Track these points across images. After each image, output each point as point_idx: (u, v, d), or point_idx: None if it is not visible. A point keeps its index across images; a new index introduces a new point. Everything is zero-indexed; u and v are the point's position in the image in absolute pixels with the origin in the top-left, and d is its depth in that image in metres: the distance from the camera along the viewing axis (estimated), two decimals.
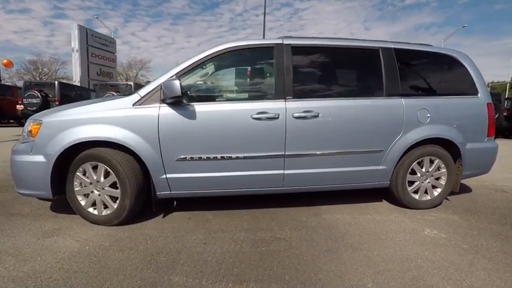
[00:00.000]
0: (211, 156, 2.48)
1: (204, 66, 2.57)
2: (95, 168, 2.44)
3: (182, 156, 2.45)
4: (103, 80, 14.90)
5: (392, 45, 2.86)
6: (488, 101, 2.99)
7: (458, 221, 2.74)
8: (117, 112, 2.38)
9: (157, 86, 2.42)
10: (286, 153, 2.57)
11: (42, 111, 2.71)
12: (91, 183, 2.45)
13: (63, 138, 2.32)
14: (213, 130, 2.45)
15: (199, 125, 2.43)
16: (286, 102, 2.55)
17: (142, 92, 2.43)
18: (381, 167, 2.79)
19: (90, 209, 2.51)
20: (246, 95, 2.67)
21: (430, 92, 2.89)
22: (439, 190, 3.01)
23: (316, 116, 2.57)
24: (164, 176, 2.47)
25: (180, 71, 2.47)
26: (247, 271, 1.88)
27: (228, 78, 2.85)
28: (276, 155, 2.56)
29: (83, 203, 2.50)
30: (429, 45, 3.07)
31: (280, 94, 2.56)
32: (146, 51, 71.85)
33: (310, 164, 2.64)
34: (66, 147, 2.32)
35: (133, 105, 2.41)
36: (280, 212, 2.84)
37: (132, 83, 10.15)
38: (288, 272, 1.88)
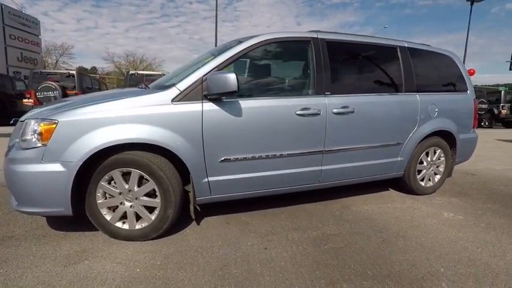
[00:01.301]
0: (257, 155, 2.33)
1: (242, 59, 2.37)
2: (125, 175, 2.07)
3: (226, 157, 2.24)
4: (26, 67, 12.54)
5: (406, 44, 3.06)
6: (474, 97, 3.44)
7: (460, 203, 3.13)
8: (155, 109, 2.04)
9: (197, 80, 2.15)
10: (325, 149, 2.57)
11: (42, 109, 2.17)
12: (120, 194, 2.08)
13: (89, 141, 1.90)
14: (258, 127, 2.30)
15: (245, 122, 2.25)
16: (326, 98, 2.53)
17: (182, 85, 2.13)
18: (399, 159, 3.00)
19: (119, 224, 2.13)
20: (287, 91, 2.55)
21: (435, 88, 3.19)
22: (438, 177, 3.38)
23: (352, 112, 2.61)
24: (206, 180, 2.23)
25: (221, 63, 2.23)
26: (329, 272, 1.84)
27: (266, 73, 2.69)
28: (316, 151, 2.54)
29: (108, 217, 2.11)
30: (428, 45, 3.37)
31: (320, 90, 2.53)
32: (63, 35, 63.33)
33: (344, 159, 2.70)
34: (93, 152, 1.91)
35: (172, 101, 2.09)
36: (311, 208, 2.84)
37: (74, 72, 8.80)
38: (366, 267, 1.90)
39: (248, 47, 2.32)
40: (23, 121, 2.06)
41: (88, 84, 9.61)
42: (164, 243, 2.13)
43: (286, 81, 2.62)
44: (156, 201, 2.10)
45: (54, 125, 1.89)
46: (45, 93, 7.80)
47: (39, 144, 1.90)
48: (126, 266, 1.84)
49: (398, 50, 2.97)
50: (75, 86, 8.67)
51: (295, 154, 2.46)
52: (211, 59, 2.27)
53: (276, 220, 2.55)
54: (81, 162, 1.90)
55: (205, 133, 2.14)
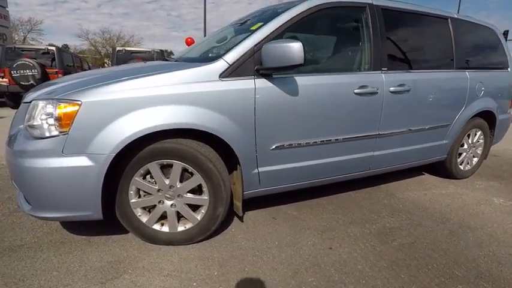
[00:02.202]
0: (311, 141, 2.01)
1: (291, 29, 1.98)
2: (163, 168, 1.70)
3: (279, 144, 1.90)
4: None
5: (456, 15, 2.77)
6: None
7: (502, 187, 2.99)
8: (201, 87, 1.65)
9: (248, 51, 1.76)
10: (379, 132, 2.28)
11: (50, 87, 1.71)
12: (159, 191, 1.71)
13: (124, 127, 1.50)
14: (315, 108, 1.96)
15: (301, 102, 1.90)
16: (383, 75, 2.22)
17: (230, 57, 1.73)
18: (444, 141, 2.78)
19: (157, 226, 1.78)
20: (342, 66, 2.20)
21: (481, 64, 2.95)
22: (476, 160, 3.21)
23: (408, 91, 2.32)
24: (256, 171, 1.90)
25: (275, 30, 1.83)
26: (414, 274, 1.60)
27: (318, 45, 2.31)
28: (370, 135, 2.25)
29: (143, 218, 1.75)
30: (469, 16, 3.09)
31: (376, 65, 2.20)
32: (29, 10, 58.15)
33: (395, 143, 2.43)
34: (130, 140, 1.51)
35: (220, 76, 1.70)
36: (356, 197, 2.59)
37: (53, 48, 7.88)
38: (451, 267, 1.68)
39: (297, 14, 1.92)
40: (28, 102, 1.61)
41: (69, 61, 8.71)
42: (212, 246, 1.80)
43: (341, 55, 2.27)
44: (203, 199, 1.75)
45: (77, 107, 1.47)
46: (21, 71, 6.94)
47: (57, 132, 1.48)
48: (179, 280, 1.51)
49: (449, 21, 2.67)
50: (52, 63, 7.80)
51: (350, 139, 2.16)
52: (261, 26, 1.87)
53: (325, 213, 2.28)
54: (114, 154, 1.51)
55: (258, 116, 1.78)
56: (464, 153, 3.08)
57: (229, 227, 2.03)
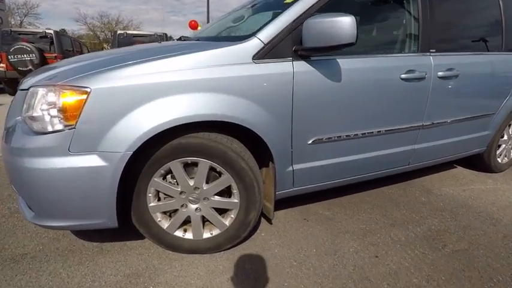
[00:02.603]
0: (352, 133, 1.75)
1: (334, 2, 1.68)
2: (187, 167, 1.45)
3: (318, 137, 1.65)
4: None
5: None
6: None
7: None
8: (231, 70, 1.38)
9: (285, 28, 1.47)
10: (423, 123, 2.02)
11: (50, 72, 1.44)
12: (182, 193, 1.47)
13: (142, 119, 1.24)
14: (359, 96, 1.69)
15: (344, 89, 1.63)
16: (432, 58, 1.94)
17: (265, 35, 1.45)
18: (485, 133, 2.52)
19: (179, 233, 1.55)
20: (387, 47, 1.91)
21: None
22: None
23: (456, 76, 2.05)
24: (290, 168, 1.65)
25: (312, 6, 1.54)
26: None
27: (360, 22, 2.01)
28: (414, 126, 1.99)
29: (164, 224, 1.52)
30: None
31: (425, 46, 1.91)
32: None
33: (438, 135, 2.17)
34: (150, 135, 1.26)
35: (253, 58, 1.43)
36: (390, 193, 2.35)
37: (52, 31, 7.48)
38: None
39: None
40: (26, 89, 1.35)
41: (68, 46, 8.31)
42: (242, 255, 1.58)
43: (386, 34, 1.98)
44: (233, 202, 1.51)
45: (85, 96, 1.21)
46: (18, 56, 6.59)
47: (61, 126, 1.23)
48: None
49: None
50: (50, 48, 7.43)
51: (393, 131, 1.90)
52: (289, 6, 1.57)
53: (361, 213, 2.05)
54: (131, 152, 1.26)
55: (296, 105, 1.52)
56: (504, 145, 2.83)
57: (258, 230, 1.80)
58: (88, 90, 1.21)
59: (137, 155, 1.33)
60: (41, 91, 1.26)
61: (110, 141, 1.24)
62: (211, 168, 1.45)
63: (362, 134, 1.79)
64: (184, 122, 1.29)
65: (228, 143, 1.42)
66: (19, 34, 7.40)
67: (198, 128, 1.41)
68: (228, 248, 1.60)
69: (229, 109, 1.36)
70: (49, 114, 1.24)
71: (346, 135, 1.74)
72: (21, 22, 28.86)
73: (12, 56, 6.63)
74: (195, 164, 1.44)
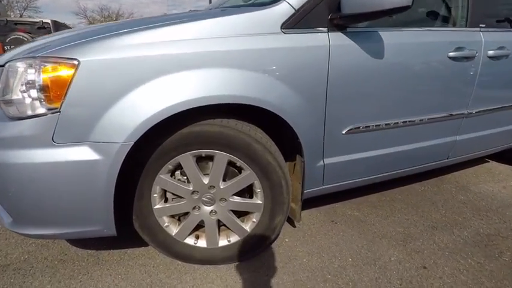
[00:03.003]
0: (392, 122, 1.49)
1: None
2: (200, 162, 1.19)
3: (354, 126, 1.38)
4: None
5: None
6: None
7: None
8: (255, 41, 1.10)
9: None
10: (468, 111, 1.76)
11: (32, 44, 1.17)
12: (194, 192, 1.21)
13: (145, 101, 0.98)
14: (403, 77, 1.42)
15: (387, 67, 1.36)
16: (482, 34, 1.66)
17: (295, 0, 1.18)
18: None
19: (190, 240, 1.29)
20: (434, 19, 1.64)
21: None
22: None
23: (507, 56, 1.77)
24: (321, 163, 1.39)
25: None
26: None
27: None
28: (458, 114, 1.72)
29: (172, 230, 1.26)
30: None
31: (474, 20, 1.64)
32: None
33: (482, 125, 1.91)
34: (155, 122, 0.99)
35: (282, 27, 1.16)
36: (423, 190, 2.09)
37: (49, 21, 7.15)
38: None
39: None
40: (2, 66, 1.08)
41: None
42: (265, 266, 1.33)
43: (431, 4, 1.69)
44: (256, 204, 1.25)
45: (72, 70, 0.94)
46: (15, 47, 6.30)
47: (43, 110, 0.96)
48: None
49: None
50: None
51: (436, 119, 1.63)
52: None
53: (395, 213, 1.79)
54: (132, 143, 1.00)
55: (331, 85, 1.25)
56: None
57: (280, 235, 1.55)
58: (76, 62, 0.94)
59: (139, 146, 1.08)
60: (20, 66, 0.99)
61: (104, 129, 0.98)
62: (230, 163, 1.19)
63: (403, 122, 1.52)
64: (197, 105, 1.03)
65: (252, 132, 1.15)
66: (15, 24, 7.08)
67: (213, 114, 1.15)
68: (248, 258, 1.35)
69: (251, 89, 1.09)
70: (29, 95, 0.97)
71: (386, 124, 1.47)
72: (21, 15, 28.41)
73: (8, 47, 6.33)
74: (210, 158, 1.18)
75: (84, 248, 1.42)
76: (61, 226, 1.06)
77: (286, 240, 1.51)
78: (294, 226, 1.63)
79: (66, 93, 0.94)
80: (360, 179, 1.59)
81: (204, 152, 1.14)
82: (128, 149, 0.99)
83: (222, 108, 1.18)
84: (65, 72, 0.94)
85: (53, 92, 0.94)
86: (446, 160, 1.91)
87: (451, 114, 1.69)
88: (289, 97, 1.18)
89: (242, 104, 1.10)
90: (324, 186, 1.49)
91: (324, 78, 1.23)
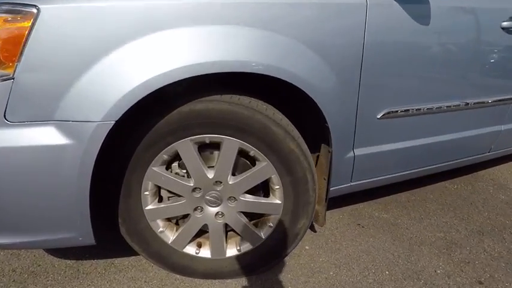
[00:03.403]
0: (435, 105, 1.23)
1: None
2: (203, 151, 0.95)
3: (391, 109, 1.13)
4: None
5: None
6: None
7: None
8: None
9: None
10: None
11: None
12: (195, 190, 0.96)
13: (130, 67, 0.73)
14: (449, 49, 1.17)
15: (433, 37, 1.10)
16: None
17: None
18: None
19: (190, 249, 1.04)
20: None
21: None
22: None
23: None
24: (351, 154, 1.14)
25: None
26: None
27: None
28: (506, 99, 1.46)
29: (168, 236, 1.01)
30: None
31: None
32: None
33: None
34: (145, 93, 0.74)
35: None
36: (458, 190, 1.83)
37: None
38: None
39: None
40: None
41: None
42: (282, 279, 1.08)
43: None
44: (274, 204, 0.99)
45: (29, 21, 0.69)
46: None
47: None
48: None
49: None
50: None
51: (482, 104, 1.38)
52: None
53: (430, 215, 1.53)
54: (113, 122, 0.75)
55: (368, 56, 1.00)
56: None
57: (302, 247, 1.30)
58: (34, 11, 0.69)
59: (123, 128, 0.83)
60: None
61: (75, 104, 0.73)
62: (241, 153, 0.94)
63: (447, 107, 1.27)
64: (198, 74, 0.78)
65: (269, 112, 0.90)
66: None
67: (217, 89, 0.90)
68: (263, 271, 1.10)
69: (270, 56, 0.84)
70: None
71: (428, 108, 1.21)
72: None
73: None
74: (216, 146, 0.93)
75: (62, 258, 1.17)
76: (20, 234, 0.81)
77: (307, 247, 1.26)
78: (315, 231, 1.37)
79: (21, 53, 0.69)
80: (392, 175, 1.33)
81: (208, 137, 0.89)
82: (107, 131, 0.74)
83: (230, 80, 0.94)
84: (19, 24, 0.69)
85: (3, 51, 0.69)
86: (488, 154, 1.65)
87: (499, 99, 1.43)
88: (318, 69, 0.92)
89: (254, 75, 0.85)
90: (352, 183, 1.24)
91: (359, 46, 0.97)
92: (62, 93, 0.72)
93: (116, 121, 0.74)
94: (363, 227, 1.42)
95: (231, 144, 0.90)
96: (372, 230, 1.39)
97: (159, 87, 0.75)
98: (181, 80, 0.77)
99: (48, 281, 1.06)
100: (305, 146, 0.95)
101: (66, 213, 0.79)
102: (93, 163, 0.75)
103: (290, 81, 0.88)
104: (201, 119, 0.85)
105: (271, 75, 0.85)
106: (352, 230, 1.38)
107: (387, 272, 1.13)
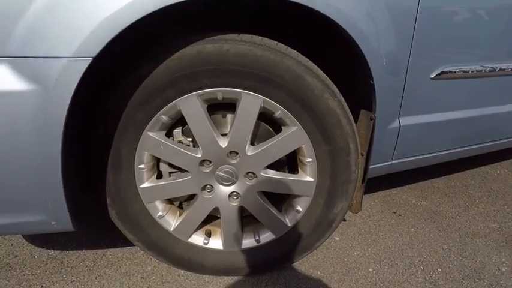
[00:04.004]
0: (498, 66, 1.00)
1: None
2: (214, 112, 0.74)
3: (448, 68, 0.90)
4: None
5: None
6: None
7: None
8: None
9: None
10: None
11: None
12: (204, 163, 0.75)
13: None
14: None
15: None
16: None
17: None
18: None
19: (197, 238, 0.83)
20: None
21: None
22: None
23: None
24: (396, 124, 0.91)
25: None
26: None
27: None
28: None
29: (170, 223, 0.80)
30: None
31: None
32: None
33: None
34: (134, 20, 0.53)
35: None
36: (497, 175, 1.59)
37: None
38: None
39: None
40: None
41: None
42: (313, 276, 0.87)
43: None
44: (304, 182, 0.78)
45: None
46: None
47: None
48: None
49: None
50: None
51: None
52: None
53: (477, 203, 1.30)
54: (91, 59, 0.53)
55: None
56: None
57: (333, 237, 1.09)
58: None
59: (106, 72, 0.62)
60: None
61: (36, 32, 0.51)
62: (262, 116, 0.73)
63: (501, 69, 1.03)
64: None
65: (302, 58, 0.68)
66: None
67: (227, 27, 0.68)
68: (286, 267, 0.89)
69: None
70: None
71: (490, 70, 0.98)
72: None
73: None
74: (231, 107, 0.71)
75: (44, 248, 0.98)
76: None
77: (337, 238, 1.05)
78: (344, 219, 1.16)
79: None
80: (439, 153, 1.10)
81: (221, 91, 0.67)
82: (83, 70, 0.53)
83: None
84: None
85: None
86: None
87: None
88: (366, 9, 0.70)
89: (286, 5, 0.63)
90: (393, 162, 1.01)
91: None
92: (17, 17, 0.51)
93: (94, 58, 0.53)
94: (399, 215, 1.20)
95: (251, 101, 0.68)
96: (411, 219, 1.17)
97: (153, 10, 0.53)
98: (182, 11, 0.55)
99: (24, 275, 0.87)
100: (346, 105, 0.73)
101: (26, 189, 0.59)
102: (64, 119, 0.54)
103: (334, 19, 0.65)
104: (212, 65, 0.64)
105: (307, 4, 0.62)
106: (388, 219, 1.17)
107: (439, 270, 0.91)
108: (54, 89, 0.53)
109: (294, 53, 0.67)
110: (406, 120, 0.93)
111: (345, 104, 0.72)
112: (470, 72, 0.95)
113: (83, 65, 0.53)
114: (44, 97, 0.53)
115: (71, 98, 0.54)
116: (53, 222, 0.64)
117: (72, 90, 0.53)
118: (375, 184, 1.41)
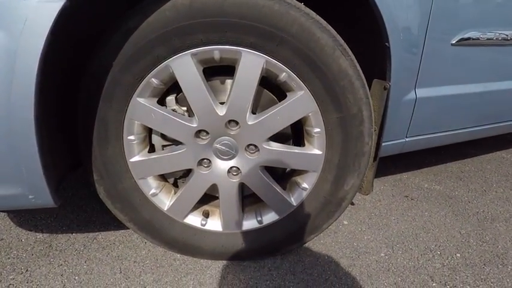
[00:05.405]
0: None
1: None
2: (211, 77, 0.66)
3: (472, 34, 0.82)
4: None
5: None
6: None
7: None
8: None
9: None
10: None
11: None
12: (200, 133, 0.68)
13: None
14: None
15: None
16: None
17: None
18: None
19: (193, 219, 0.76)
20: None
21: None
22: None
23: None
24: (412, 95, 0.83)
25: None
26: None
27: None
28: None
29: (164, 202, 0.74)
30: None
31: None
32: None
33: None
34: None
35: None
36: (496, 164, 1.52)
37: None
38: None
39: None
40: None
41: None
42: (320, 261, 0.80)
43: None
44: (311, 155, 0.71)
45: None
46: None
47: None
48: None
49: None
50: None
51: None
52: None
53: (494, 187, 1.22)
54: (64, 1, 0.46)
55: None
56: None
57: (339, 222, 1.01)
58: None
59: (89, 32, 0.54)
60: None
61: None
62: (264, 81, 0.65)
63: None
64: None
65: (310, 11, 0.60)
66: None
67: None
68: (291, 250, 0.82)
69: None
70: None
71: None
72: None
73: None
74: (228, 71, 0.64)
75: (32, 231, 0.91)
76: None
77: (345, 222, 0.97)
78: (352, 203, 1.09)
79: None
80: (457, 131, 1.02)
81: (218, 49, 0.59)
82: (55, 16, 0.45)
83: None
84: None
85: None
86: None
87: None
88: None
89: None
90: (407, 139, 0.93)
91: None
92: None
93: (71, 1, 0.45)
94: (412, 199, 1.12)
95: (252, 61, 0.60)
96: (424, 203, 1.10)
97: None
98: None
99: (8, 258, 0.81)
100: (359, 68, 0.65)
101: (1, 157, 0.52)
102: (36, 70, 0.47)
103: None
104: (207, 17, 0.56)
105: None
106: (400, 203, 1.09)
107: (458, 255, 0.84)
108: (21, 36, 0.45)
109: (300, 4, 0.59)
110: (422, 92, 0.85)
111: (357, 64, 0.63)
112: (495, 39, 0.86)
113: (55, 7, 0.45)
114: (12, 44, 0.46)
115: (44, 45, 0.46)
116: (31, 196, 0.57)
117: (44, 36, 0.46)
118: (383, 168, 1.34)
